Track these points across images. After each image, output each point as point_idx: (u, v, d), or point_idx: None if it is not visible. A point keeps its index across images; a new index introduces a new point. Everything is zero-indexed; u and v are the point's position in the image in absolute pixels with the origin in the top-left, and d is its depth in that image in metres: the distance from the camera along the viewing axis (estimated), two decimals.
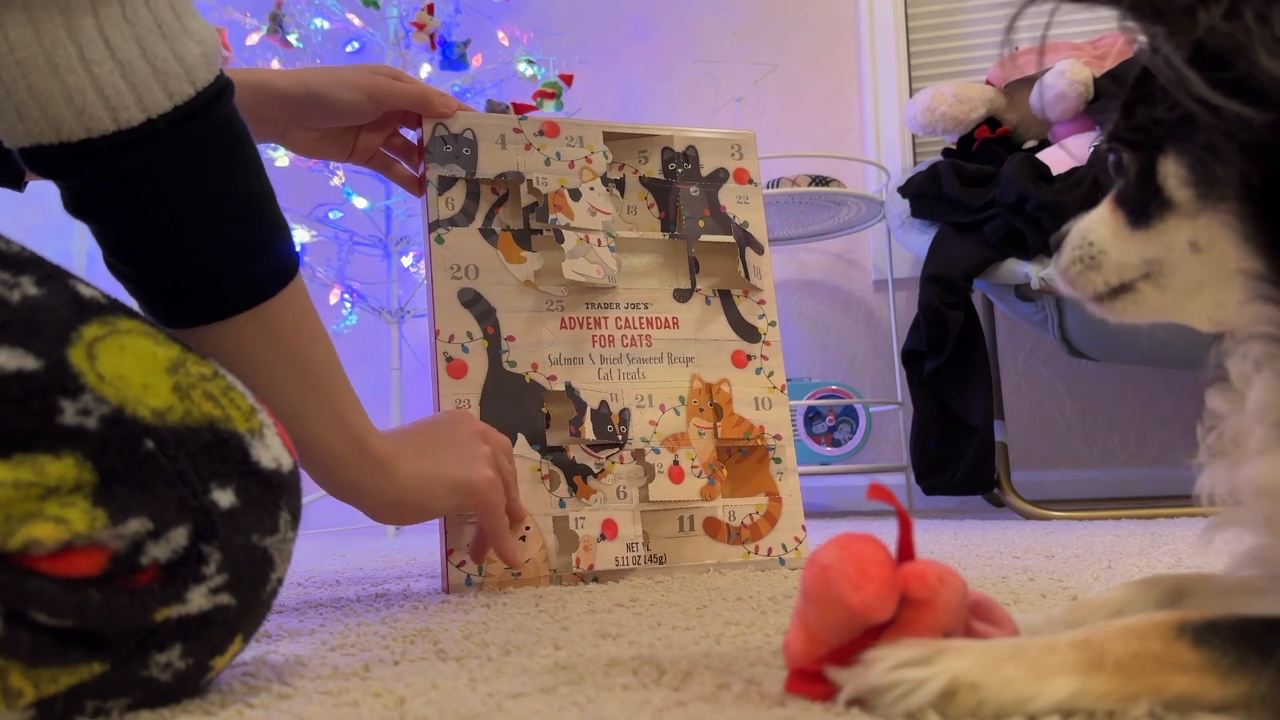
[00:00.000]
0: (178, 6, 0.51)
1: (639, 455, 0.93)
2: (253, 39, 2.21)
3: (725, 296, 1.01)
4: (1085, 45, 2.02)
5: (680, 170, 1.02)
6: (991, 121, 2.09)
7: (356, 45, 2.33)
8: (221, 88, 0.53)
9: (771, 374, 1.01)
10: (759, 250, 1.03)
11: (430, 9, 2.17)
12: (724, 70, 2.51)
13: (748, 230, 1.03)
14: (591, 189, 0.98)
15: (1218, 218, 0.42)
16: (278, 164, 2.10)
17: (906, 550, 0.38)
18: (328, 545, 1.70)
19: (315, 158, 0.94)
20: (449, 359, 0.89)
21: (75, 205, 0.53)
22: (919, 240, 1.97)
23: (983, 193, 1.82)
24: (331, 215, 2.28)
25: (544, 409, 0.91)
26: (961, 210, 1.86)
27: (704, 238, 1.01)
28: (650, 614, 0.66)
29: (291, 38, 2.17)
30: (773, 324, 1.02)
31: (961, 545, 1.21)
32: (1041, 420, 2.38)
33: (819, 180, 2.18)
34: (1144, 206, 0.46)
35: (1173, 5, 0.38)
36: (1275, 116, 0.37)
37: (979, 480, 1.81)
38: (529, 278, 0.94)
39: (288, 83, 0.84)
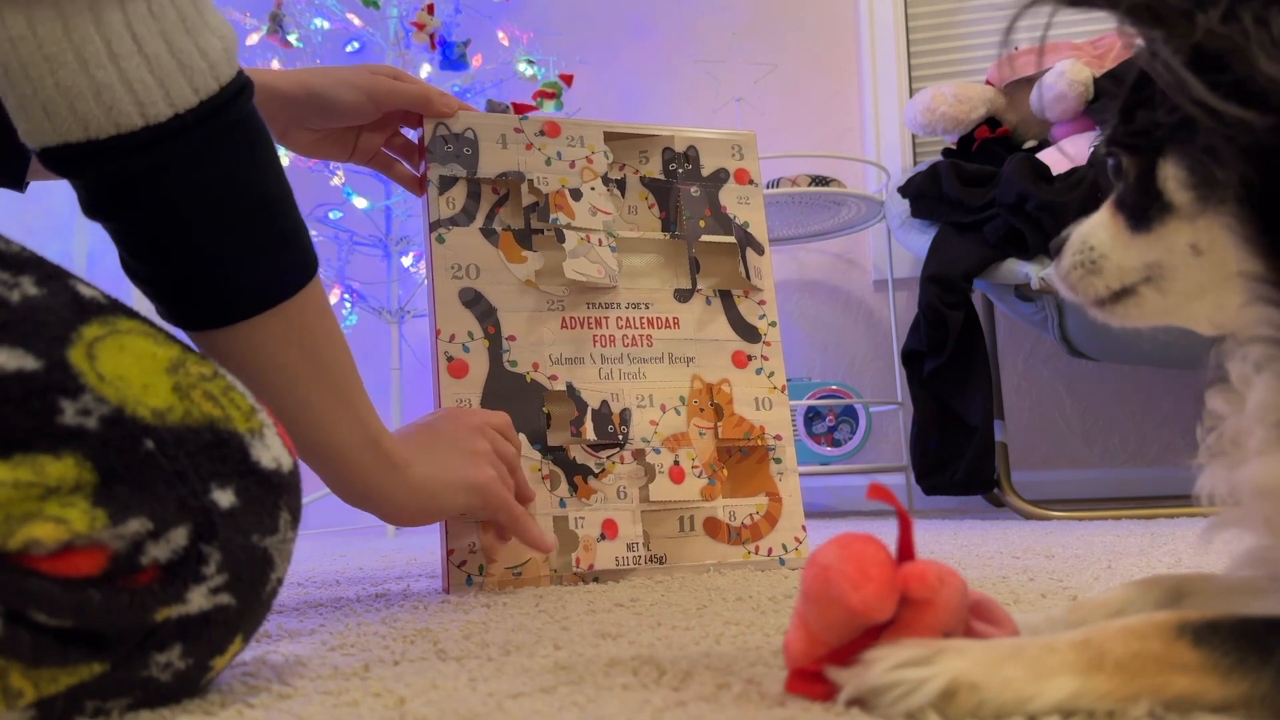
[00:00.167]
0: (198, 1, 0.51)
1: (639, 455, 0.93)
2: (253, 39, 2.21)
3: (726, 296, 1.01)
4: (1085, 45, 2.02)
5: (681, 170, 1.03)
6: (991, 121, 2.09)
7: (356, 45, 2.33)
8: (243, 84, 0.53)
9: (772, 374, 1.01)
10: (759, 250, 1.03)
11: (430, 9, 2.17)
12: (724, 70, 2.51)
13: (748, 230, 1.03)
14: (592, 189, 0.98)
15: (1218, 220, 0.42)
16: None
17: (906, 550, 0.38)
18: (328, 545, 1.70)
19: (316, 158, 0.94)
20: (450, 359, 0.89)
21: (94, 205, 0.53)
22: (919, 240, 1.97)
23: (983, 193, 1.82)
24: (331, 215, 2.28)
25: (545, 409, 0.91)
26: (961, 210, 1.86)
27: (705, 238, 1.01)
28: (650, 614, 0.66)
29: (291, 38, 2.17)
30: (773, 324, 1.02)
31: (961, 545, 1.21)
32: (1041, 420, 2.38)
33: (819, 180, 2.18)
34: (1144, 210, 0.46)
35: (1170, 8, 0.38)
36: (1274, 119, 0.37)
37: (979, 480, 1.81)
38: (530, 277, 0.94)
39: (288, 83, 0.84)
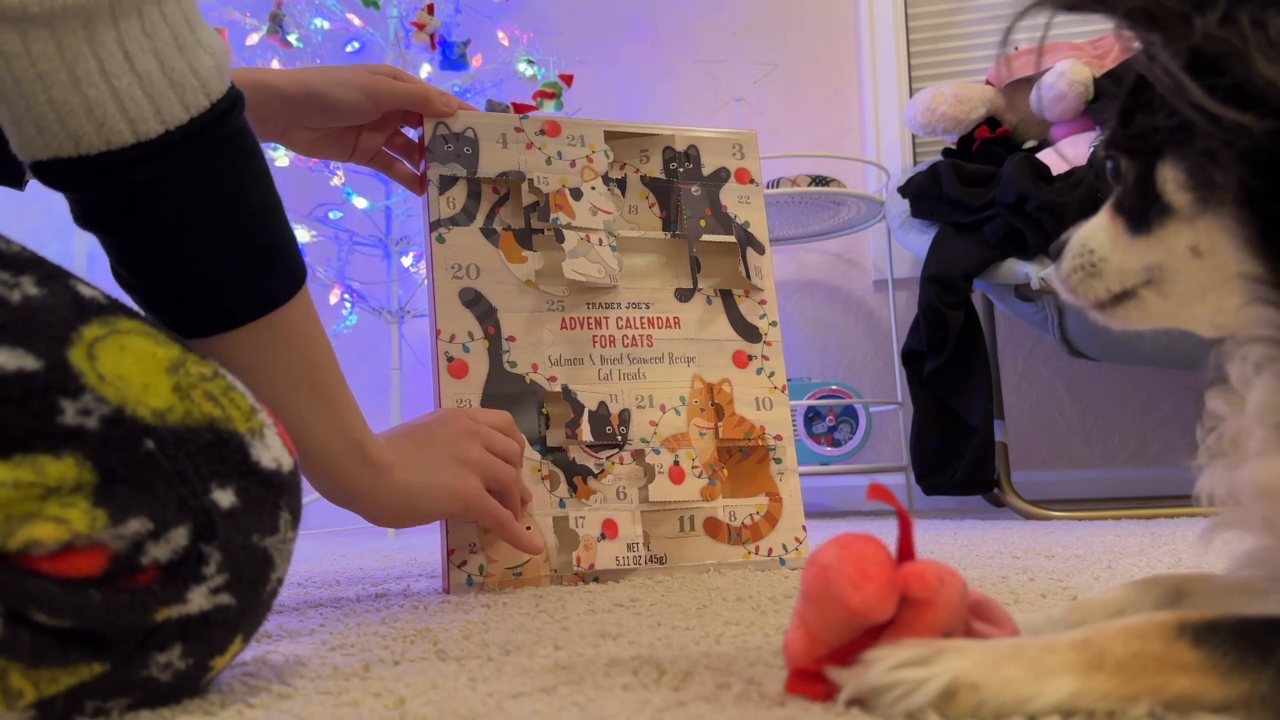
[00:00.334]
0: (191, 19, 0.51)
1: (639, 456, 0.93)
2: (253, 39, 2.21)
3: (726, 296, 1.01)
4: (1085, 45, 2.02)
5: (682, 170, 1.03)
6: (991, 121, 2.09)
7: (356, 45, 2.33)
8: (234, 100, 0.54)
9: (772, 374, 1.01)
10: (760, 250, 1.03)
11: (430, 9, 2.17)
12: (724, 70, 2.51)
13: (749, 230, 1.03)
14: (593, 188, 0.98)
15: (1217, 222, 0.42)
16: (278, 164, 2.10)
17: (906, 550, 0.38)
18: (328, 545, 1.70)
19: (316, 157, 0.94)
20: (450, 359, 0.89)
21: (85, 217, 0.53)
22: (919, 240, 1.97)
23: (983, 193, 1.82)
24: (331, 215, 2.28)
25: (544, 410, 0.91)
26: (961, 210, 1.86)
27: (705, 237, 1.01)
28: (650, 614, 0.66)
29: (291, 38, 2.17)
30: (774, 324, 1.02)
31: (961, 545, 1.21)
32: (1041, 420, 2.38)
33: (819, 180, 2.18)
34: (1143, 213, 0.46)
35: (1168, 12, 0.38)
36: (1273, 123, 0.37)
37: (979, 480, 1.81)
38: (530, 277, 0.94)
39: (288, 83, 0.85)
